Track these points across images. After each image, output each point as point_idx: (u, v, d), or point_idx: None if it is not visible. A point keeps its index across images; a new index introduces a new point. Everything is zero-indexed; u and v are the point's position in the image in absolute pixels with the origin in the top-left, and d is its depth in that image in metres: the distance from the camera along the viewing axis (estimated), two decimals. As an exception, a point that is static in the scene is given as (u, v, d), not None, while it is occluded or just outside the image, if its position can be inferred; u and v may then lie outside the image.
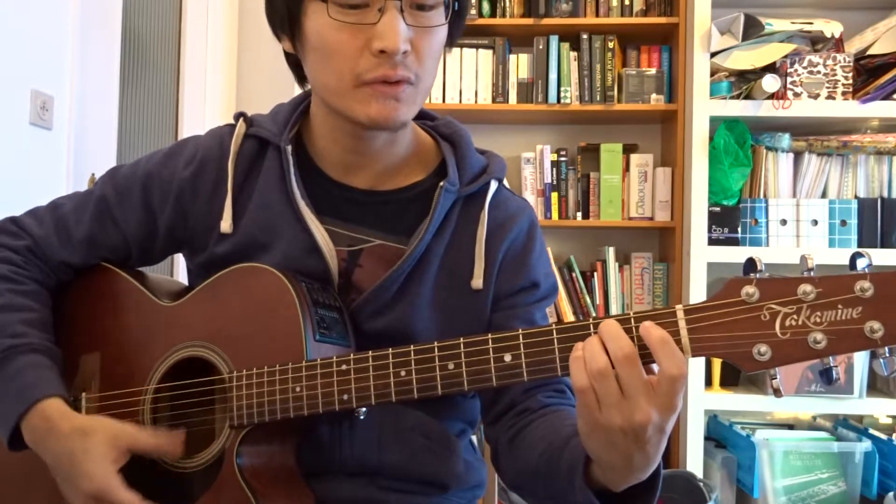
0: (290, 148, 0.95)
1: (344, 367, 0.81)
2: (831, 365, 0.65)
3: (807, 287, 0.64)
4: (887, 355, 0.62)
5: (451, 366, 0.76)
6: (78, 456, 0.84)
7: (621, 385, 0.67)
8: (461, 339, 0.76)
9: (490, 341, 0.75)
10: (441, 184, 0.93)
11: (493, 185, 0.98)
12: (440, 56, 0.91)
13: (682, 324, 0.68)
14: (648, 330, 0.68)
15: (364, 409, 0.83)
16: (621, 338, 0.68)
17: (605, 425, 0.68)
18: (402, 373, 0.78)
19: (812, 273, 0.64)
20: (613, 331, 0.68)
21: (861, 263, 0.63)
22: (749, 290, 0.66)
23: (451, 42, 0.94)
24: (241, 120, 0.99)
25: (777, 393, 0.66)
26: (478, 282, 0.94)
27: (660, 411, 0.67)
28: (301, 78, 0.98)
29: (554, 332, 0.72)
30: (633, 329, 0.69)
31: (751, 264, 0.67)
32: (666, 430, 0.69)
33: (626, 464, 0.70)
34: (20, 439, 0.88)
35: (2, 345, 0.89)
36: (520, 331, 0.74)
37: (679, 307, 0.68)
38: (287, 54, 0.96)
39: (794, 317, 0.64)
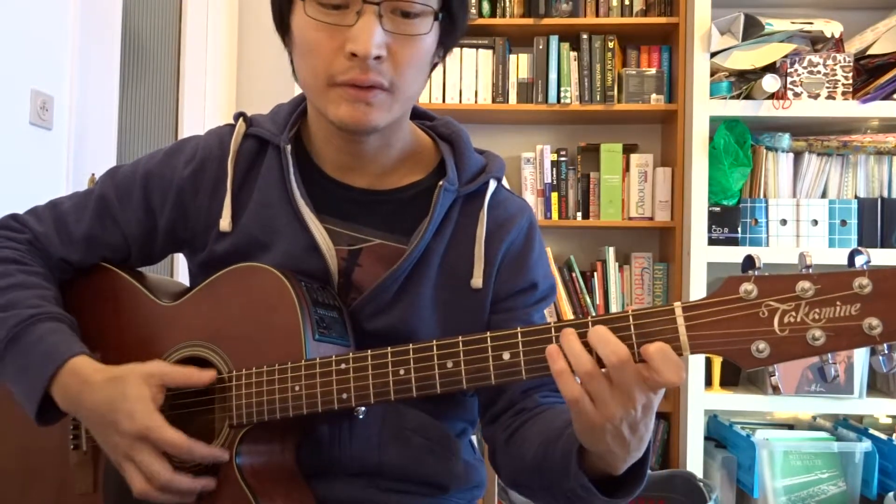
0: (289, 147, 0.95)
1: (343, 366, 0.81)
2: (830, 362, 0.65)
3: (805, 284, 0.64)
4: (886, 352, 0.62)
5: (449, 364, 0.76)
6: (117, 402, 0.83)
7: (613, 381, 0.68)
8: (460, 338, 0.76)
9: (489, 339, 0.75)
10: (440, 183, 0.93)
11: (492, 185, 0.98)
12: (425, 65, 0.90)
13: (680, 321, 0.68)
14: (646, 348, 0.68)
15: (363, 408, 0.83)
16: (611, 341, 0.68)
17: (603, 423, 0.69)
18: (401, 371, 0.78)
19: (810, 270, 0.64)
20: (602, 335, 0.69)
21: (859, 261, 0.63)
22: (747, 287, 0.66)
23: (444, 52, 0.94)
24: (240, 119, 0.99)
25: (776, 390, 0.66)
26: (477, 281, 0.94)
27: (649, 395, 0.69)
28: None
29: (552, 330, 0.72)
30: (632, 327, 0.69)
31: (749, 262, 0.67)
32: (654, 407, 0.71)
33: (624, 448, 0.72)
34: (48, 408, 0.88)
35: (21, 315, 0.89)
36: (518, 329, 0.74)
37: (677, 304, 0.68)
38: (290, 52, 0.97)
39: (793, 314, 0.64)
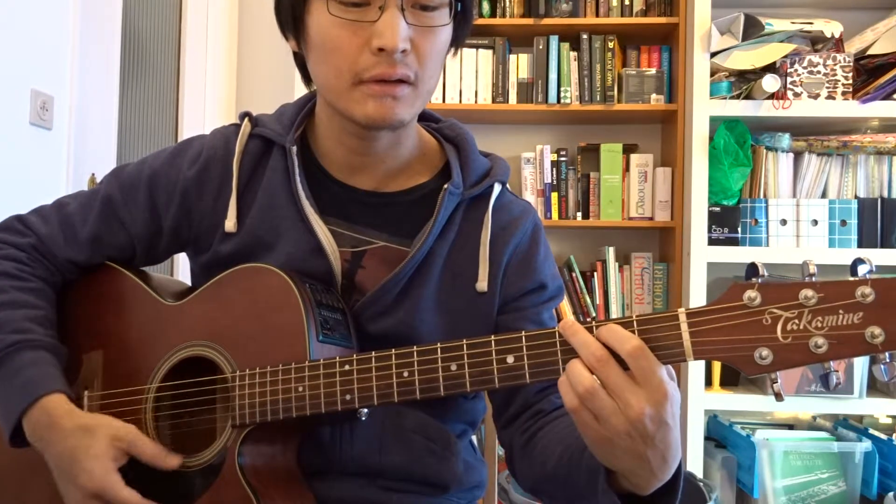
0: (294, 148, 0.95)
1: (347, 367, 0.81)
2: (831, 370, 0.65)
3: (808, 292, 0.64)
4: (887, 360, 0.63)
5: (453, 367, 0.76)
6: (79, 453, 0.84)
7: (609, 390, 0.67)
8: (464, 341, 0.76)
9: (493, 343, 0.75)
10: (445, 186, 0.93)
11: (497, 188, 0.98)
12: (443, 57, 0.91)
13: (684, 327, 0.68)
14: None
15: (366, 409, 0.83)
16: (591, 343, 0.68)
17: (609, 435, 0.68)
18: (405, 373, 0.78)
19: (814, 279, 0.65)
20: (583, 339, 0.69)
21: (862, 269, 0.63)
22: (751, 294, 0.66)
23: (456, 44, 0.94)
24: (246, 119, 0.99)
25: (778, 397, 0.67)
26: (482, 284, 0.94)
27: (650, 402, 0.67)
28: (307, 78, 0.98)
29: (556, 334, 0.72)
30: (636, 332, 0.69)
31: (753, 269, 0.67)
32: (668, 422, 0.68)
33: (644, 465, 0.70)
34: (22, 436, 0.89)
35: (6, 340, 0.89)
36: (522, 332, 0.74)
37: (681, 311, 0.69)
38: (295, 54, 0.97)
39: (796, 321, 0.64)
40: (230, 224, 0.95)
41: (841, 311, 0.63)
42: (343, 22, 0.85)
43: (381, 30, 0.83)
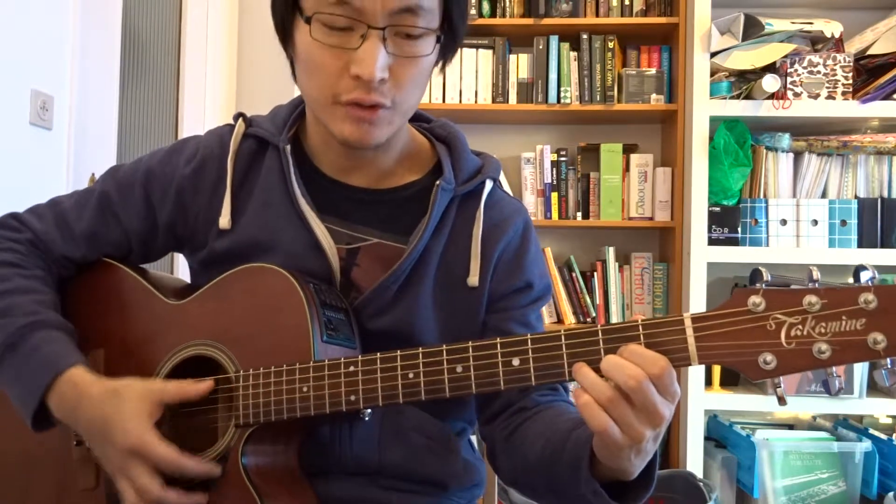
0: (288, 148, 0.96)
1: (352, 368, 0.81)
2: (834, 375, 0.66)
3: (812, 298, 0.64)
4: (889, 366, 0.64)
5: (459, 369, 0.77)
6: (113, 416, 0.84)
7: (635, 404, 0.69)
8: (469, 343, 0.77)
9: (499, 345, 0.75)
10: (438, 182, 0.94)
11: (489, 185, 0.99)
12: (426, 80, 0.92)
13: (689, 332, 0.69)
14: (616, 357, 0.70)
15: (369, 410, 0.84)
16: (626, 366, 0.69)
17: (632, 442, 0.70)
18: (410, 375, 0.78)
19: (818, 285, 0.65)
20: (615, 363, 0.69)
21: (865, 276, 0.64)
22: (755, 299, 0.66)
23: (443, 64, 0.95)
24: (240, 119, 1.00)
25: (781, 401, 0.67)
26: (474, 279, 0.95)
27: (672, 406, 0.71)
28: None
29: (562, 336, 0.73)
30: (641, 336, 0.70)
31: (757, 275, 0.67)
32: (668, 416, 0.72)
33: (644, 460, 0.73)
34: (45, 416, 0.88)
35: (17, 323, 0.90)
36: (528, 335, 0.74)
37: (687, 315, 0.69)
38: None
39: (800, 327, 0.65)
40: (224, 221, 0.96)
41: (844, 318, 0.64)
42: (325, 45, 0.85)
43: (360, 58, 0.83)
